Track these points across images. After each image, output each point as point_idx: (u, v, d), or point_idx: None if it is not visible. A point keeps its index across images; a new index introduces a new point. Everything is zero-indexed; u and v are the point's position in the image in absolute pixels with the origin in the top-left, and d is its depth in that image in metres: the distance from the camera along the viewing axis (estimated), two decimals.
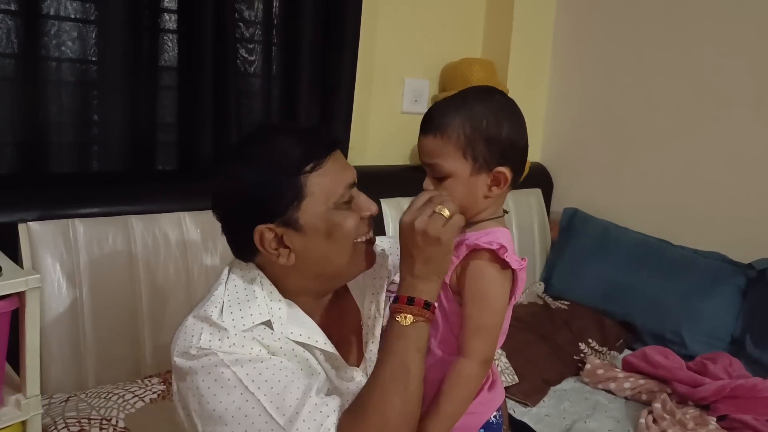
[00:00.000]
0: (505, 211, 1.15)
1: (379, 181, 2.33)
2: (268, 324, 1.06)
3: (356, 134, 2.34)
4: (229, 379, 0.97)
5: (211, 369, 0.98)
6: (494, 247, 1.03)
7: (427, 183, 1.11)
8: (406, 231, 1.02)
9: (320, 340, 1.09)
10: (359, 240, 1.11)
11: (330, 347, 1.10)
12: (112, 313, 1.66)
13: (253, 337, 1.03)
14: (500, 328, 1.07)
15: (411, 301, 1.01)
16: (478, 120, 1.05)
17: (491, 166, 1.06)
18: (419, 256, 1.01)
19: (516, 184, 1.11)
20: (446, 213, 1.00)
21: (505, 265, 1.04)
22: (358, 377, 1.15)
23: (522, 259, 1.06)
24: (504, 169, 1.06)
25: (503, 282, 1.05)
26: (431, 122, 1.08)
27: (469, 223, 1.10)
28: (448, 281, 1.07)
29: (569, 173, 2.91)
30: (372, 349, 1.18)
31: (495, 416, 1.18)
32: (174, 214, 1.78)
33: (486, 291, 1.04)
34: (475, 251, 1.05)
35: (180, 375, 1.02)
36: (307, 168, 1.03)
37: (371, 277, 1.22)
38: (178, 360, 1.01)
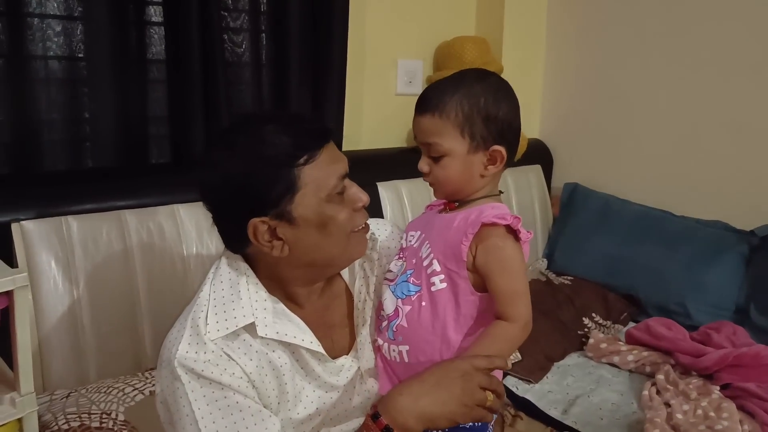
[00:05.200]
0: (501, 191, 1.16)
1: (375, 165, 2.34)
2: (252, 326, 1.05)
3: (350, 118, 2.33)
4: (184, 406, 1.00)
5: (175, 390, 1.01)
6: (508, 220, 1.06)
7: (423, 163, 1.13)
8: (457, 366, 1.03)
9: (306, 338, 1.09)
10: (356, 230, 1.11)
11: (315, 345, 1.09)
12: (111, 308, 1.67)
13: (230, 352, 1.03)
14: (528, 290, 1.09)
15: (387, 430, 1.00)
16: (475, 98, 1.08)
17: (488, 144, 1.09)
18: (434, 390, 1.01)
19: (510, 164, 1.13)
20: (489, 399, 1.02)
21: (516, 236, 1.07)
22: (348, 363, 1.16)
23: (528, 232, 1.10)
24: (500, 148, 1.09)
25: (520, 249, 1.09)
26: (428, 102, 1.10)
27: (466, 201, 1.12)
28: (465, 259, 1.07)
29: (568, 148, 2.89)
30: (363, 333, 1.18)
31: None
32: (168, 206, 1.78)
33: (510, 259, 1.07)
34: (488, 227, 1.06)
35: (157, 378, 1.07)
36: (301, 160, 1.02)
37: (361, 260, 1.22)
38: (160, 367, 1.05)
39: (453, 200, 1.15)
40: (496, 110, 1.08)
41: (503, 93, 1.10)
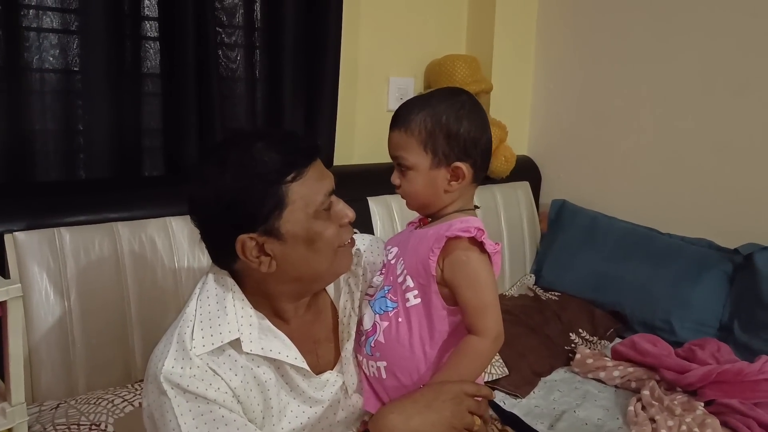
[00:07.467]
0: (476, 206, 1.19)
1: (366, 180, 2.35)
2: (237, 342, 1.06)
3: (342, 134, 2.35)
4: (170, 420, 1.01)
5: (162, 404, 1.02)
6: (472, 233, 1.07)
7: (394, 176, 1.18)
8: (449, 390, 1.06)
9: (291, 354, 1.10)
10: (342, 245, 1.13)
11: (300, 362, 1.11)
12: (101, 320, 1.67)
13: (215, 367, 1.04)
14: (498, 301, 1.11)
15: None
16: (438, 116, 1.11)
17: (450, 160, 1.12)
18: (425, 411, 1.04)
19: (479, 181, 1.16)
20: (477, 423, 1.06)
21: (482, 248, 1.09)
22: (332, 378, 1.17)
23: (496, 243, 1.11)
24: (462, 164, 1.12)
25: (486, 261, 1.10)
26: (398, 118, 1.14)
27: (437, 216, 1.14)
28: (434, 273, 1.09)
29: (557, 166, 2.92)
30: (348, 348, 1.19)
31: None
32: (160, 219, 1.79)
33: (475, 272, 1.09)
34: (453, 240, 1.09)
35: (144, 393, 1.07)
36: (289, 177, 1.03)
37: (346, 275, 1.24)
38: (147, 381, 1.06)
39: (426, 215, 1.19)
40: (457, 128, 1.11)
41: (467, 111, 1.12)
